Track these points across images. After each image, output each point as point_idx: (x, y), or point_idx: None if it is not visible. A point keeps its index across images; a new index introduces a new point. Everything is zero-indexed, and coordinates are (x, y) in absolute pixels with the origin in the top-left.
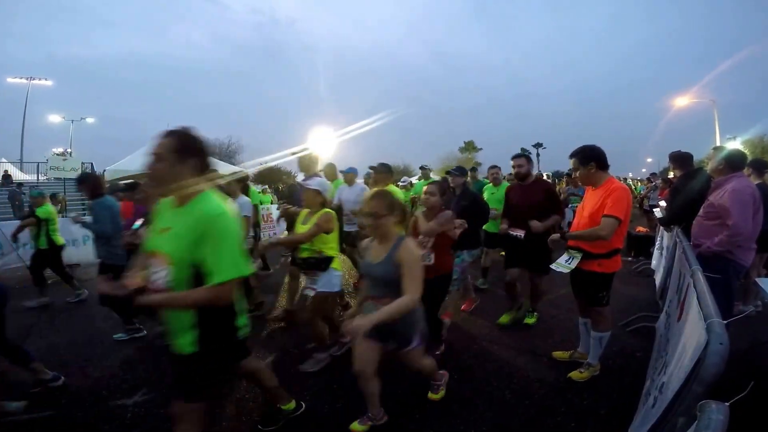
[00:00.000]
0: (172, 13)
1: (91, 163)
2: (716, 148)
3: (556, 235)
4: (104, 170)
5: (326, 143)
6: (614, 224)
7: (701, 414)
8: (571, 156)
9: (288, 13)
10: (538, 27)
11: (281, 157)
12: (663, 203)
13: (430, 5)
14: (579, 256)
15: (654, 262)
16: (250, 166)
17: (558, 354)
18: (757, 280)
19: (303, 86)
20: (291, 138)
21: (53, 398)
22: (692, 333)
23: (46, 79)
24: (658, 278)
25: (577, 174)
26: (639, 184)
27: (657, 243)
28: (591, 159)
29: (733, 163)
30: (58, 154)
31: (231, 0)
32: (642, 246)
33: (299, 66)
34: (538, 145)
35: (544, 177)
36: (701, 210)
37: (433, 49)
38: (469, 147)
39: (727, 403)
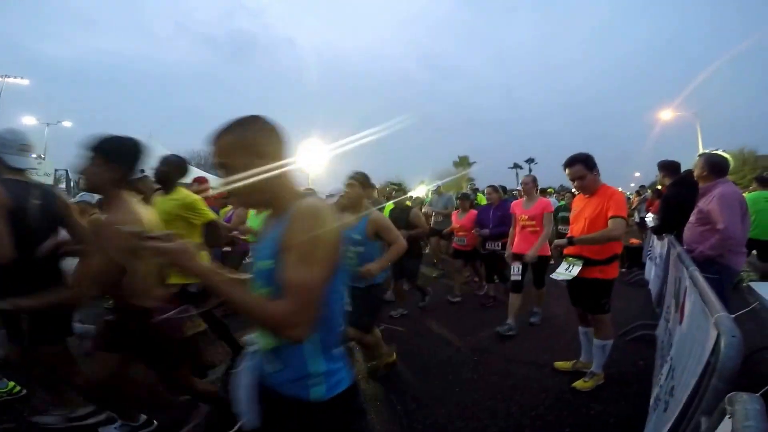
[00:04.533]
0: (146, 12)
1: (66, 170)
2: (701, 155)
3: (562, 240)
4: (80, 178)
5: (316, 157)
6: (623, 224)
7: (734, 406)
8: (572, 163)
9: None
10: (533, 48)
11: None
12: (650, 215)
13: (423, 19)
14: (580, 263)
15: (647, 271)
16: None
17: (560, 364)
18: (751, 284)
19: (290, 93)
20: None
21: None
22: (698, 331)
23: (22, 78)
24: (653, 287)
25: (584, 181)
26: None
27: (649, 253)
28: (595, 165)
29: (716, 168)
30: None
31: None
32: (636, 257)
33: (284, 72)
34: (530, 161)
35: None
36: (692, 216)
37: (423, 59)
38: (463, 162)
39: (758, 394)
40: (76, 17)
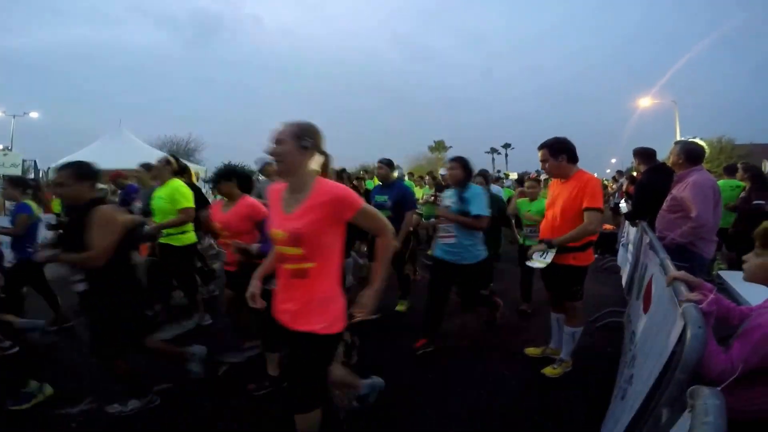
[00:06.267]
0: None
1: (35, 161)
2: (677, 143)
3: (541, 245)
4: (48, 168)
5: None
6: (599, 216)
7: (695, 400)
8: (541, 147)
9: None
10: (507, 28)
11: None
12: (623, 202)
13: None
14: (554, 249)
15: (619, 258)
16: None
17: (530, 350)
18: (720, 273)
19: (259, 73)
20: (253, 132)
21: None
22: (666, 321)
23: None
24: (624, 274)
25: (546, 165)
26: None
27: (622, 239)
28: (562, 151)
29: (692, 156)
30: None
31: None
32: (608, 243)
33: (254, 51)
34: (506, 146)
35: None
36: (665, 203)
37: (399, 39)
38: (439, 146)
39: (718, 388)
40: (31, 7)
